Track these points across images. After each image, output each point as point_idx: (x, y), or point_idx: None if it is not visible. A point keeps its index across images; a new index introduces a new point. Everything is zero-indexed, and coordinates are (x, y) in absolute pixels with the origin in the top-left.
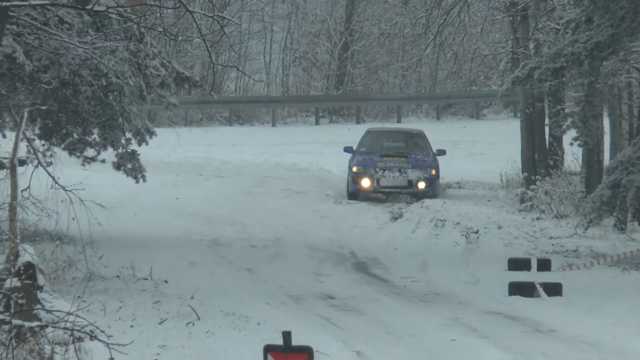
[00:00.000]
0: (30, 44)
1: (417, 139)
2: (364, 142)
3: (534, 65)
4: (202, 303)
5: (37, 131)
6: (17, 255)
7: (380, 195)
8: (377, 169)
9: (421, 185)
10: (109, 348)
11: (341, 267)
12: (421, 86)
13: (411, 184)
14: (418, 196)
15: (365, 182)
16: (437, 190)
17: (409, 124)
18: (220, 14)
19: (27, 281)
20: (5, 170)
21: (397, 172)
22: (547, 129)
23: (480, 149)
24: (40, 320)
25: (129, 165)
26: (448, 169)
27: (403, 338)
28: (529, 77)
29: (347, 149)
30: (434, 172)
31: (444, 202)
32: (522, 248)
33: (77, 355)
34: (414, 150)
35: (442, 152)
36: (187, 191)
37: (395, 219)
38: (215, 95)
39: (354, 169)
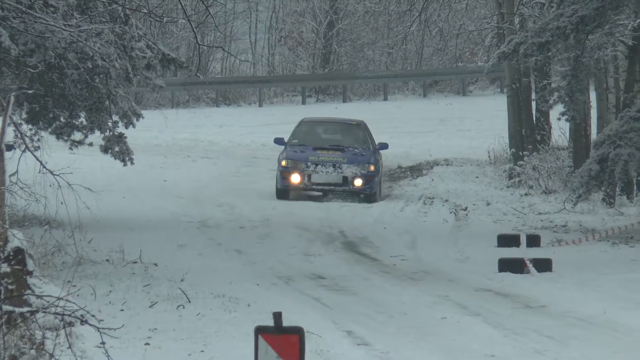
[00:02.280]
0: (15, 27)
1: (357, 131)
2: (297, 134)
3: (520, 40)
4: (192, 285)
5: (24, 115)
6: (6, 241)
7: (315, 193)
8: (309, 164)
9: (358, 182)
10: (100, 332)
11: (330, 247)
12: (407, 63)
13: (346, 181)
14: (355, 194)
15: (295, 178)
16: (378, 188)
17: (396, 102)
18: None
19: (17, 266)
20: None
21: (331, 167)
22: (534, 104)
23: (467, 125)
24: (30, 305)
25: (117, 148)
26: (435, 146)
27: (394, 317)
28: (514, 52)
29: (278, 141)
30: (372, 167)
31: (432, 180)
32: (511, 224)
33: (68, 340)
34: (353, 143)
35: (384, 146)
36: (175, 173)
37: (385, 197)
38: (202, 76)
39: (283, 162)
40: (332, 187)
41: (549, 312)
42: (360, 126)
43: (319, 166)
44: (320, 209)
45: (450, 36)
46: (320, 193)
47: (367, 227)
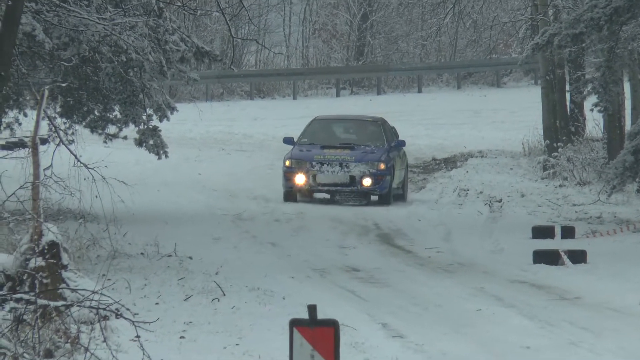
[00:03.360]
0: (49, 21)
1: (371, 127)
2: (307, 132)
3: (554, 32)
4: (227, 278)
5: (58, 109)
6: (40, 235)
7: (324, 195)
8: (314, 163)
9: (366, 182)
10: (135, 326)
11: (365, 239)
12: (441, 55)
13: (354, 180)
14: (365, 196)
15: (300, 179)
16: (389, 189)
17: (430, 94)
18: None
19: (52, 260)
20: (27, 149)
21: (337, 166)
22: (568, 96)
23: (501, 117)
24: (65, 299)
25: (151, 141)
26: (469, 138)
27: (429, 309)
28: (548, 44)
29: (287, 140)
30: (382, 166)
31: (467, 172)
32: (546, 216)
33: (103, 334)
34: (366, 140)
35: (401, 143)
36: (209, 166)
37: (419, 189)
38: (236, 69)
39: (287, 162)
40: (338, 188)
41: (584, 303)
42: (377, 122)
43: (325, 165)
44: None
45: (484, 28)
46: (328, 195)
47: (401, 220)
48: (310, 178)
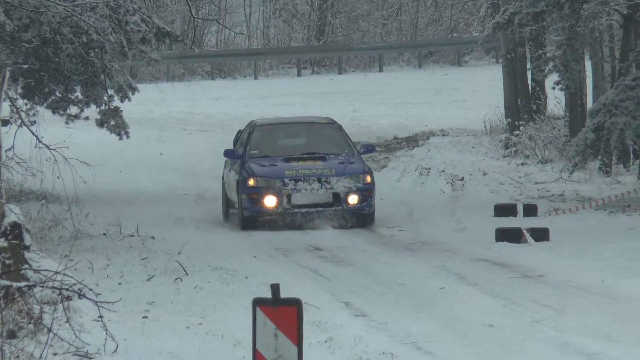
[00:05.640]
0: (10, 2)
1: (330, 132)
2: (253, 142)
3: (514, 10)
4: (190, 258)
5: (19, 90)
6: (2, 216)
7: (293, 218)
8: (287, 180)
9: (353, 199)
10: (98, 306)
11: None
12: (402, 35)
13: (338, 198)
14: (347, 216)
15: (270, 201)
16: (374, 206)
17: (391, 73)
18: None
19: (14, 241)
20: None
21: (315, 182)
22: (529, 74)
23: (463, 95)
24: (28, 280)
25: (112, 122)
26: (431, 117)
27: (392, 288)
28: (509, 23)
29: (230, 153)
30: (369, 178)
31: (429, 150)
32: (508, 194)
33: (66, 314)
34: (332, 148)
35: (370, 149)
36: (171, 146)
37: (381, 168)
38: (197, 50)
39: (251, 181)
40: (319, 209)
41: (547, 281)
42: (333, 125)
43: (301, 182)
44: None
45: (445, 7)
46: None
47: None
48: (283, 199)
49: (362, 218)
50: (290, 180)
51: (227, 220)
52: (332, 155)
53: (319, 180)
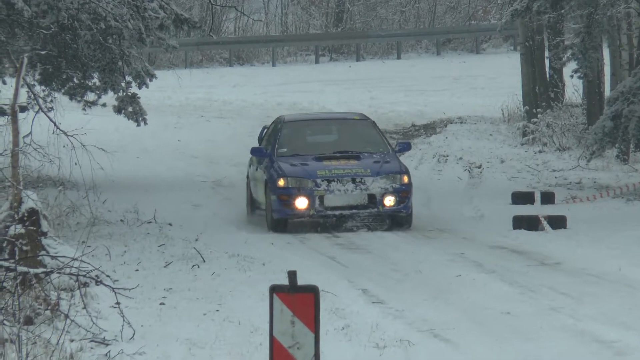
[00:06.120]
0: None
1: (363, 128)
2: (282, 139)
3: None
4: (207, 245)
5: (37, 77)
6: (20, 202)
7: (326, 220)
8: (319, 181)
9: (389, 201)
10: (115, 292)
11: None
12: (420, 22)
13: (373, 200)
14: (383, 219)
15: (301, 203)
16: (412, 208)
17: (409, 60)
18: None
19: (31, 227)
20: (6, 116)
21: (350, 183)
22: (547, 62)
23: (481, 83)
24: (45, 266)
25: (130, 108)
26: (449, 104)
27: (409, 275)
28: (527, 10)
29: (257, 151)
30: (406, 179)
31: (446, 138)
32: (525, 181)
33: (83, 301)
34: (365, 146)
35: (406, 147)
36: (189, 133)
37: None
38: (215, 36)
39: (281, 182)
40: (353, 211)
41: (564, 269)
42: (367, 121)
43: (334, 183)
44: None
45: None
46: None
47: None
48: (315, 201)
49: (399, 221)
50: (322, 180)
51: (251, 222)
52: (366, 154)
53: (354, 181)
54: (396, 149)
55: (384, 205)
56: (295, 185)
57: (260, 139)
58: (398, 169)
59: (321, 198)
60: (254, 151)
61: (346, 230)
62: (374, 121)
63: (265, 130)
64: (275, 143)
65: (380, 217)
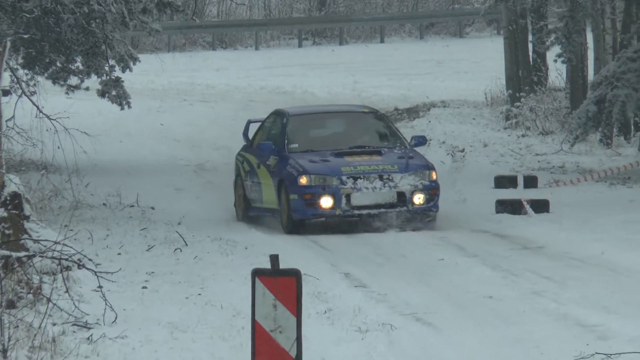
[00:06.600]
0: None
1: (373, 122)
2: (290, 135)
3: None
4: (189, 229)
5: (20, 60)
6: (2, 186)
7: (352, 220)
8: (344, 178)
9: (418, 199)
10: (97, 276)
11: None
12: (404, 6)
13: (403, 198)
14: (413, 217)
15: (326, 202)
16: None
17: (392, 44)
18: None
19: (14, 211)
20: None
21: (377, 180)
22: (530, 46)
23: (464, 67)
24: (27, 250)
25: (113, 92)
26: (432, 88)
27: (391, 259)
28: None
29: (264, 147)
30: (434, 175)
31: (429, 122)
32: (509, 165)
33: (65, 284)
34: (379, 141)
35: (422, 141)
36: (172, 117)
37: None
38: (198, 20)
39: (303, 180)
40: (381, 210)
41: (547, 253)
42: (376, 114)
43: (361, 180)
44: None
45: None
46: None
47: None
48: (341, 200)
49: (425, 219)
50: (348, 177)
51: (246, 222)
52: (385, 149)
53: (381, 178)
54: (411, 143)
55: (413, 204)
56: (320, 183)
57: (245, 134)
58: (426, 165)
59: (348, 196)
60: (260, 146)
61: (374, 231)
62: (383, 114)
63: (252, 124)
64: (283, 138)
65: (409, 216)
